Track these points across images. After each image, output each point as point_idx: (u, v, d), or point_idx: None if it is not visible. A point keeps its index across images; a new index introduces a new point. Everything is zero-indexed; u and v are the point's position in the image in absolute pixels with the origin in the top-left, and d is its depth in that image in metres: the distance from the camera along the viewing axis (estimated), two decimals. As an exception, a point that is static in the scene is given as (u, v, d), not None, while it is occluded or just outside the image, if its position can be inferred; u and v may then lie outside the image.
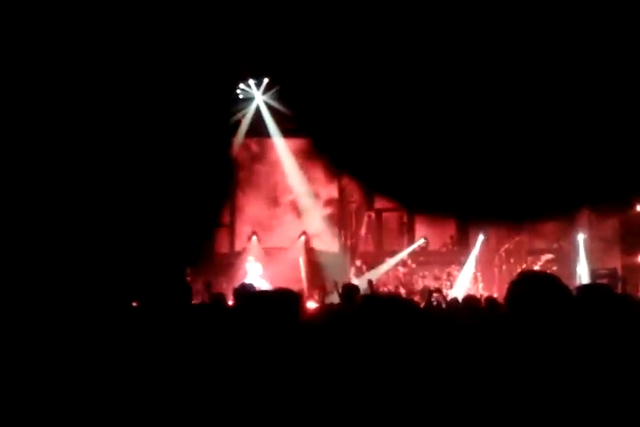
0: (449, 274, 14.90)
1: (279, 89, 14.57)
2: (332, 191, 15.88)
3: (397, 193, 14.19)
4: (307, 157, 15.32)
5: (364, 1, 11.94)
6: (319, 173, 15.55)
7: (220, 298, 6.06)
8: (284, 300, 2.42)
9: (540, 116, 12.70)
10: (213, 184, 14.11)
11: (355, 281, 14.16)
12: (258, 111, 15.03)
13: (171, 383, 2.41)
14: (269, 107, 14.89)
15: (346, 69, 12.87)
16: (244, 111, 14.99)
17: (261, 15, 11.97)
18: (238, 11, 11.94)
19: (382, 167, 13.51)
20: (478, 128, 12.91)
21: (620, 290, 11.94)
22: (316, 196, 15.68)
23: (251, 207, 15.53)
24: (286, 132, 15.15)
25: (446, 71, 12.64)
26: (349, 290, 5.98)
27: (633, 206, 13.86)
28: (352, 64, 12.79)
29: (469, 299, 4.96)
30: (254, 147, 15.76)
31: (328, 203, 15.89)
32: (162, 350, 2.57)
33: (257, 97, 14.94)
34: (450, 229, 15.61)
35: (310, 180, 15.57)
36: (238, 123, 15.01)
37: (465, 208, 13.74)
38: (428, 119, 13.03)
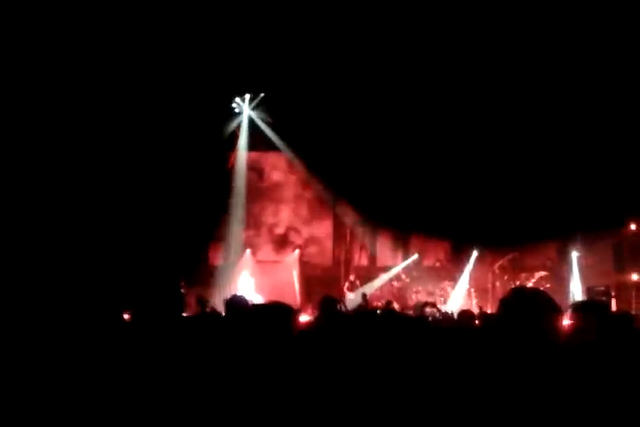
0: (442, 290, 14.88)
1: (271, 112, 14.53)
2: (314, 230, 15.82)
3: (391, 217, 14.17)
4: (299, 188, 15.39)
5: (361, 24, 11.99)
6: (306, 209, 15.65)
7: (214, 311, 6.02)
8: (278, 313, 2.42)
9: (533, 138, 12.79)
10: (209, 196, 14.10)
11: (349, 295, 14.14)
12: (250, 126, 15.01)
13: (164, 393, 2.40)
14: (253, 124, 14.82)
15: (342, 96, 12.95)
16: (231, 126, 14.93)
17: (264, 33, 12.02)
18: (240, 25, 11.99)
19: (376, 192, 13.53)
20: (474, 152, 13.00)
21: (615, 307, 12.01)
22: (296, 231, 15.68)
23: (244, 224, 15.53)
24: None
25: (441, 94, 12.72)
26: (328, 303, 5.95)
27: (626, 225, 13.92)
28: (348, 91, 12.87)
29: (464, 314, 4.94)
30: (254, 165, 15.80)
31: (308, 243, 15.81)
32: (154, 360, 2.56)
33: (245, 112, 14.90)
34: (444, 246, 15.62)
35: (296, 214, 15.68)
36: (224, 136, 14.96)
37: (459, 231, 13.79)
38: (422, 143, 13.12)
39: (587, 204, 12.66)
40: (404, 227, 14.85)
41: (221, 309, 7.67)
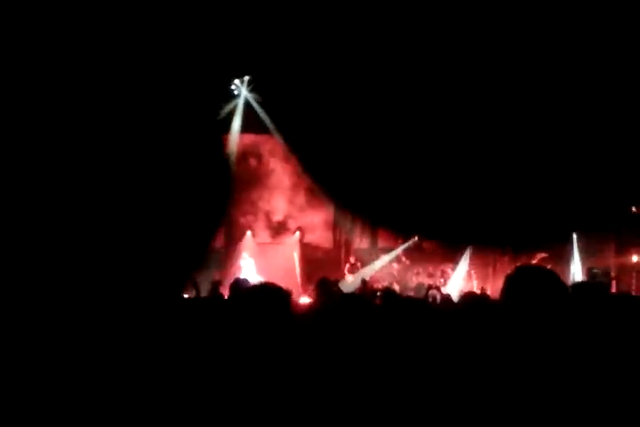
0: (443, 271, 14.92)
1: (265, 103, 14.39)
2: (312, 218, 15.68)
3: (388, 220, 14.12)
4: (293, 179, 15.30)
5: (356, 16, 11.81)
6: (303, 198, 15.54)
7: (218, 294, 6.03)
8: (271, 295, 2.40)
9: (533, 132, 12.71)
10: (210, 181, 14.00)
11: (349, 277, 14.17)
12: (245, 108, 14.78)
13: (161, 378, 2.39)
14: (249, 107, 14.60)
15: (341, 92, 12.81)
16: (226, 108, 14.76)
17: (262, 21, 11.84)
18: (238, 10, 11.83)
19: (373, 194, 13.43)
20: (469, 154, 12.91)
21: (615, 288, 12.03)
22: (294, 219, 15.58)
23: (242, 209, 15.49)
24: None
25: (438, 88, 12.58)
26: (325, 284, 5.98)
27: (627, 207, 13.91)
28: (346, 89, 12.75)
29: (468, 295, 4.93)
30: (251, 149, 15.72)
31: (306, 230, 15.62)
32: (150, 344, 2.54)
33: (242, 95, 14.69)
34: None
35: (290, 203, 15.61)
36: (221, 118, 14.76)
37: (455, 233, 13.73)
38: (419, 144, 13.03)
39: (588, 188, 12.62)
40: (402, 230, 14.80)
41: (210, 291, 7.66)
